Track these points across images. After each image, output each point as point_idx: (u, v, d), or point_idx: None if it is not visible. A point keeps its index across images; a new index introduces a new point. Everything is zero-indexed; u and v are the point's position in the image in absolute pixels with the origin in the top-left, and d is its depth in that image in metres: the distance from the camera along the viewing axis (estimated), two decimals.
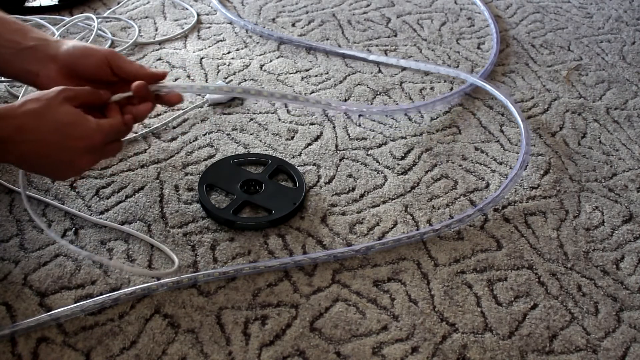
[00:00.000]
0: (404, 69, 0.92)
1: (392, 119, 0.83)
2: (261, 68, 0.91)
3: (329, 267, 0.62)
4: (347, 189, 0.71)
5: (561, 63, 0.97)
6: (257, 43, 0.97)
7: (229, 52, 0.94)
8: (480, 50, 0.99)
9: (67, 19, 0.97)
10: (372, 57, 0.94)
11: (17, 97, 0.79)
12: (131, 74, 0.60)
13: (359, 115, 0.82)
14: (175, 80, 0.87)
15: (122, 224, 0.65)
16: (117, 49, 0.92)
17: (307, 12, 1.06)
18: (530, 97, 0.89)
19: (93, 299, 0.56)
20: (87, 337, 0.54)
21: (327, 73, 0.91)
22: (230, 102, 0.83)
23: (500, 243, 0.66)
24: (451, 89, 0.89)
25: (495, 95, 0.84)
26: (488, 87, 0.85)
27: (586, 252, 0.66)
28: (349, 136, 0.79)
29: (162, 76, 0.62)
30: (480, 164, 0.76)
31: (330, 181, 0.72)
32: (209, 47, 0.95)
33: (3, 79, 0.83)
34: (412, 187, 0.72)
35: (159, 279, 0.59)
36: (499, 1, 1.15)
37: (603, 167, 0.77)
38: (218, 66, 0.90)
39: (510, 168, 0.75)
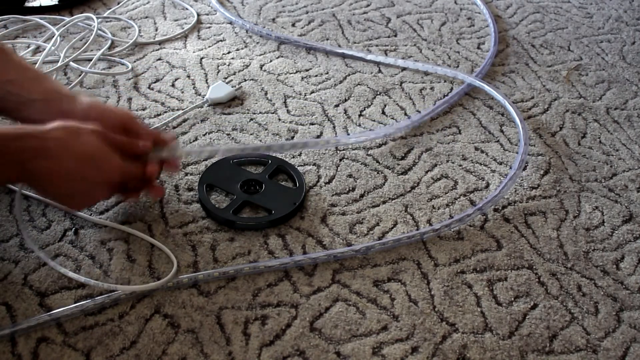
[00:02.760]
0: (404, 69, 0.92)
1: (392, 119, 0.83)
2: (261, 68, 0.91)
3: (329, 267, 0.62)
4: (347, 189, 0.71)
5: (561, 63, 0.97)
6: (257, 43, 0.97)
7: (229, 52, 0.94)
8: (480, 50, 0.99)
9: (67, 19, 0.97)
10: (369, 57, 0.94)
11: None
12: (145, 139, 0.61)
13: (359, 115, 0.82)
14: (175, 80, 0.87)
15: (122, 224, 0.65)
16: (117, 49, 0.92)
17: (307, 12, 1.06)
18: (530, 97, 0.89)
19: (93, 299, 0.56)
20: (87, 337, 0.54)
21: (327, 73, 0.91)
22: (230, 102, 0.83)
23: (500, 243, 0.66)
24: (451, 89, 0.89)
25: (492, 94, 0.84)
26: (486, 86, 0.85)
27: (586, 252, 0.66)
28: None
29: (174, 141, 0.65)
30: (480, 164, 0.76)
31: (330, 181, 0.72)
32: (209, 47, 0.95)
33: None
34: (412, 187, 0.72)
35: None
36: (499, 1, 1.15)
37: (603, 167, 0.77)
38: (218, 66, 0.90)
39: (511, 168, 0.75)
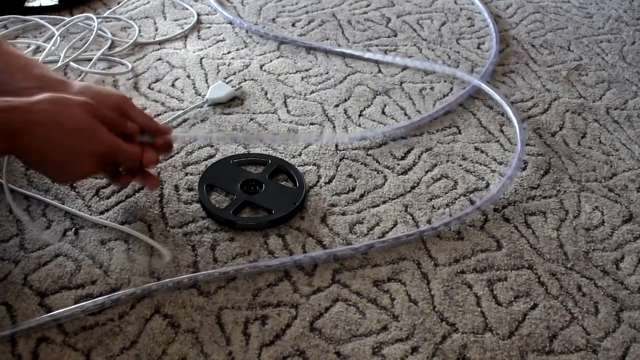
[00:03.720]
0: (404, 68, 0.92)
1: (392, 119, 0.83)
2: (261, 68, 0.91)
3: (329, 267, 0.62)
4: (347, 189, 0.71)
5: (561, 63, 0.97)
6: (257, 43, 0.97)
7: (229, 52, 0.94)
8: (480, 50, 0.99)
9: (67, 19, 0.97)
10: (367, 55, 0.94)
11: None
12: (140, 124, 0.62)
13: (359, 115, 0.82)
14: (175, 80, 0.87)
15: (122, 224, 0.65)
16: (117, 49, 0.92)
17: (307, 12, 1.06)
18: (530, 97, 0.89)
19: (93, 299, 0.56)
20: (87, 337, 0.54)
21: (327, 73, 0.91)
22: (230, 102, 0.84)
23: (500, 243, 0.66)
24: (451, 89, 0.89)
25: (490, 94, 0.84)
26: (487, 88, 0.85)
27: (586, 252, 0.66)
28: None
29: (168, 131, 0.64)
30: (480, 164, 0.76)
31: (330, 181, 0.72)
32: (209, 47, 0.95)
33: None
34: (412, 187, 0.72)
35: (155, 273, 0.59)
36: (499, 1, 1.15)
37: (603, 167, 0.77)
38: (218, 66, 0.90)
39: (507, 166, 0.75)
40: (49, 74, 0.63)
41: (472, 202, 0.71)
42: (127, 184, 0.66)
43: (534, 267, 0.64)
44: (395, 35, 1.01)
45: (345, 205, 0.69)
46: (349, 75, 0.90)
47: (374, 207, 0.69)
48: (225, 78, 0.88)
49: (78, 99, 0.57)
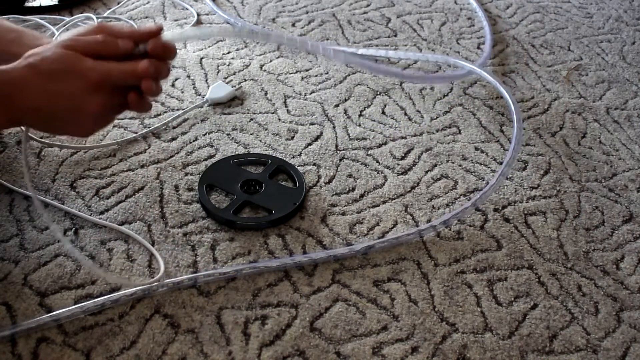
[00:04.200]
0: (404, 68, 0.92)
1: (392, 119, 0.83)
2: (261, 68, 0.91)
3: (329, 267, 0.62)
4: (347, 189, 0.71)
5: (561, 63, 0.97)
6: (257, 43, 0.97)
7: (229, 52, 0.94)
8: (480, 50, 0.99)
9: (67, 19, 0.97)
10: (384, 54, 0.94)
11: None
12: (127, 37, 0.56)
13: (359, 115, 0.82)
14: (175, 80, 0.87)
15: (122, 224, 0.65)
16: None
17: (307, 12, 1.06)
18: (530, 97, 0.89)
19: (93, 300, 0.56)
20: (87, 337, 0.54)
21: (327, 73, 0.91)
22: (230, 102, 0.83)
23: (500, 243, 0.66)
24: (451, 89, 0.89)
25: (487, 78, 0.84)
26: (484, 73, 0.85)
27: (586, 252, 0.66)
28: (349, 136, 0.79)
29: (158, 31, 0.57)
30: (480, 164, 0.76)
31: (330, 181, 0.72)
32: (209, 47, 0.95)
33: None
34: (412, 187, 0.72)
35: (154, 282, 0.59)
36: (499, 1, 1.15)
37: (603, 167, 0.77)
38: (218, 66, 0.90)
39: (501, 164, 0.75)
40: (40, 41, 0.62)
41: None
42: (145, 105, 0.57)
43: (534, 267, 0.64)
44: (395, 35, 1.01)
45: (345, 205, 0.69)
46: (349, 75, 0.90)
47: (374, 207, 0.69)
48: (225, 78, 0.88)
49: (55, 42, 0.55)
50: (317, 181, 0.72)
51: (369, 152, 0.77)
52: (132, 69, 0.54)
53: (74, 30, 0.57)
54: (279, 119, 0.81)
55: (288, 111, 0.83)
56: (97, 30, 0.56)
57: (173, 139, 0.77)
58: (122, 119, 0.79)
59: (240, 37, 0.69)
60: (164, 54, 0.56)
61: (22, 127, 0.74)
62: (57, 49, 0.53)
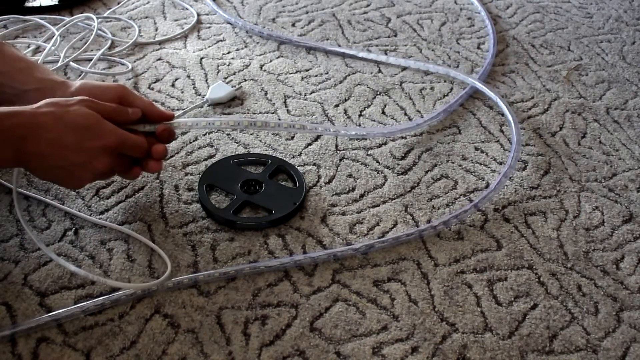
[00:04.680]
0: (404, 68, 0.92)
1: (392, 119, 0.83)
2: (261, 68, 0.91)
3: (329, 267, 0.62)
4: (347, 189, 0.71)
5: (561, 63, 0.97)
6: (257, 43, 0.97)
7: (229, 52, 0.94)
8: (480, 50, 0.99)
9: (67, 19, 0.97)
10: (371, 56, 0.94)
11: None
12: (142, 109, 0.62)
13: (359, 115, 0.82)
14: (175, 80, 0.87)
15: (122, 224, 0.65)
16: (117, 49, 0.92)
17: (307, 12, 1.06)
18: (530, 97, 0.89)
19: (93, 300, 0.56)
20: (87, 337, 0.54)
21: (327, 73, 0.91)
22: (230, 102, 0.84)
23: (500, 243, 0.66)
24: (451, 89, 0.89)
25: (488, 94, 0.84)
26: (484, 88, 0.85)
27: (586, 252, 0.66)
28: (349, 136, 0.79)
29: (170, 117, 0.64)
30: (480, 164, 0.76)
31: (330, 181, 0.72)
32: (209, 47, 0.95)
33: None
34: (412, 187, 0.72)
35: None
36: (499, 1, 1.15)
37: (603, 167, 0.77)
38: (218, 66, 0.90)
39: (502, 164, 0.75)
40: (50, 76, 0.63)
41: (472, 202, 0.71)
42: (138, 175, 0.64)
43: (534, 267, 0.64)
44: (395, 35, 1.01)
45: (345, 205, 0.69)
46: (349, 75, 0.90)
47: (374, 207, 0.69)
48: (225, 78, 0.88)
49: (77, 98, 0.57)
50: (317, 181, 0.72)
51: (369, 152, 0.77)
52: (144, 145, 0.61)
53: (99, 83, 0.63)
54: (279, 119, 0.81)
55: (288, 111, 0.83)
56: (117, 91, 0.61)
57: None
58: None
59: (238, 128, 0.76)
60: (168, 139, 0.63)
61: None
62: (80, 106, 0.56)
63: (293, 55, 0.94)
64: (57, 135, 0.54)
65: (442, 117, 0.83)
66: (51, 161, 0.55)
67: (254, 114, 0.82)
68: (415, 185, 0.73)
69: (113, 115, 0.58)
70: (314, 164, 0.74)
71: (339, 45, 0.97)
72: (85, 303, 0.56)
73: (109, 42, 0.94)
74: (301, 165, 0.74)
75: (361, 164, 0.75)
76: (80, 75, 0.86)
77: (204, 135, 0.78)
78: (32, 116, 0.54)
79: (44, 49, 0.89)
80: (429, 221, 0.68)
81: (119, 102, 0.61)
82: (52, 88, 0.62)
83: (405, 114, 0.84)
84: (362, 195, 0.71)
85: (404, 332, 0.57)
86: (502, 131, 0.82)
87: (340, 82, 0.89)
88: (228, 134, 0.78)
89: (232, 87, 0.85)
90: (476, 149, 0.79)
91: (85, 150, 0.56)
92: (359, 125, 0.81)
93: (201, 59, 0.92)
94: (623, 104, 0.89)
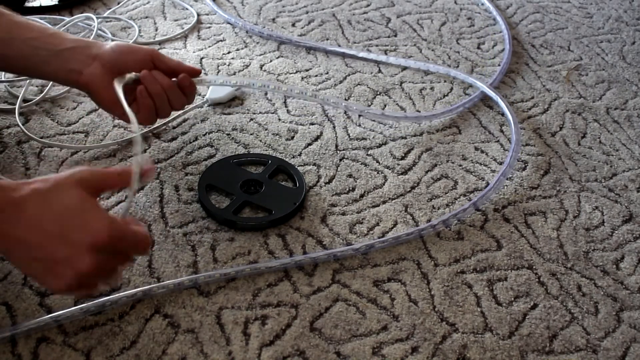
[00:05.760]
0: (404, 68, 0.92)
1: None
2: (261, 68, 0.91)
3: (329, 267, 0.62)
4: (347, 189, 0.71)
5: (561, 63, 0.97)
6: (257, 43, 0.97)
7: (229, 52, 0.94)
8: (480, 50, 0.99)
9: (67, 19, 0.97)
10: (371, 56, 0.94)
11: (17, 97, 0.79)
12: (172, 69, 0.66)
13: (359, 115, 0.82)
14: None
15: None
16: None
17: (307, 12, 1.06)
18: (530, 97, 0.89)
19: (93, 300, 0.56)
20: (87, 337, 0.54)
21: (327, 73, 0.91)
22: (230, 102, 0.83)
23: (500, 243, 0.66)
24: (451, 89, 0.89)
25: (498, 102, 0.85)
26: (493, 94, 0.85)
27: (586, 252, 0.66)
28: (349, 136, 0.79)
29: (198, 72, 0.69)
30: (480, 164, 0.76)
31: (330, 181, 0.72)
32: (209, 47, 0.95)
33: (3, 78, 0.83)
34: (412, 187, 0.72)
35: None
36: (499, 1, 1.15)
37: (603, 167, 0.77)
38: (218, 66, 0.90)
39: (501, 164, 0.75)
40: (81, 38, 0.65)
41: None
42: (119, 281, 0.56)
43: (534, 267, 0.64)
44: (395, 35, 1.01)
45: (345, 205, 0.69)
46: (349, 75, 0.90)
47: (374, 207, 0.69)
48: None
49: (66, 172, 0.48)
50: (317, 181, 0.72)
51: (369, 152, 0.77)
52: (148, 240, 0.51)
53: (130, 45, 0.66)
54: (279, 119, 0.81)
55: (288, 111, 0.83)
56: (147, 52, 0.65)
57: (173, 139, 0.77)
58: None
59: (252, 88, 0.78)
60: (189, 91, 0.69)
61: (23, 129, 0.74)
62: (72, 188, 0.47)
63: (293, 55, 0.94)
64: (36, 220, 0.45)
65: (458, 112, 0.84)
66: (32, 249, 0.46)
67: (254, 114, 0.82)
68: (415, 185, 0.73)
69: (108, 185, 0.51)
70: (314, 164, 0.74)
71: (339, 45, 0.97)
72: (85, 303, 0.56)
73: (109, 42, 0.93)
74: (301, 165, 0.74)
75: (361, 164, 0.75)
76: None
77: (204, 135, 0.78)
78: (14, 191, 0.46)
79: None
80: (429, 221, 0.68)
81: (151, 62, 0.65)
82: (88, 45, 0.63)
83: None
84: (362, 195, 0.71)
85: (404, 332, 0.57)
86: (502, 131, 0.82)
87: (340, 82, 0.89)
88: (228, 134, 0.78)
89: (232, 87, 0.85)
90: (476, 149, 0.79)
91: (69, 242, 0.46)
92: (359, 125, 0.81)
93: (201, 59, 0.92)
94: (623, 104, 0.89)
